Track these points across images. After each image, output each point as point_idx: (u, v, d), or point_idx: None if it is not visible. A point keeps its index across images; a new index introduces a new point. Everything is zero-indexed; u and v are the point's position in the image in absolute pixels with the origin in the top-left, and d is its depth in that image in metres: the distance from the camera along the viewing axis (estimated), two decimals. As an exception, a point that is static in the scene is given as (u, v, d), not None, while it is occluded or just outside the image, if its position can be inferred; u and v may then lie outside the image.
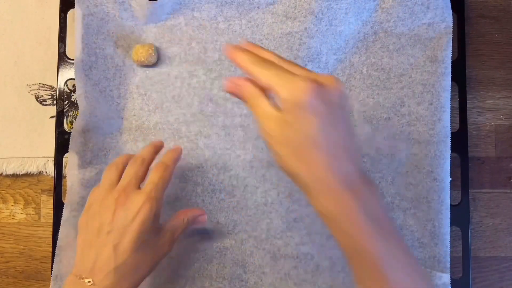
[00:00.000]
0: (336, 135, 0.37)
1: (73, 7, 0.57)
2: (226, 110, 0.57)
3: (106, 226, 0.43)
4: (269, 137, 0.37)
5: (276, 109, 0.37)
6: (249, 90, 0.38)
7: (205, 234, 0.55)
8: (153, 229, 0.45)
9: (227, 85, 0.40)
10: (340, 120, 0.37)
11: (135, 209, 0.43)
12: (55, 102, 0.59)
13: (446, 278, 0.53)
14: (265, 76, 0.37)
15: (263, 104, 0.38)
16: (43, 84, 0.60)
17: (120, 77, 0.57)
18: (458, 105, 0.57)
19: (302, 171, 0.37)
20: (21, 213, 0.59)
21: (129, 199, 0.44)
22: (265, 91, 0.38)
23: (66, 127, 0.57)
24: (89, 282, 0.42)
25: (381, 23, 0.57)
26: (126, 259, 0.43)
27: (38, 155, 0.59)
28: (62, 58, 0.57)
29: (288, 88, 0.36)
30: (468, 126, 0.57)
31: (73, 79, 0.56)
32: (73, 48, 0.56)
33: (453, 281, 0.54)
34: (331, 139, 0.36)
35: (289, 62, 0.40)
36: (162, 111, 0.57)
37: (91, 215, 0.45)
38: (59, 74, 0.57)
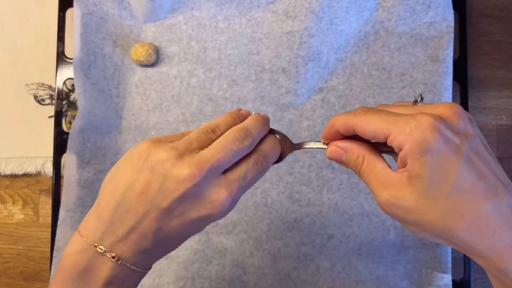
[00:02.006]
0: (487, 171, 0.29)
1: (71, 6, 0.56)
2: (225, 110, 0.57)
3: (155, 185, 0.32)
4: (398, 208, 0.30)
5: (398, 170, 0.30)
6: (359, 152, 0.33)
7: (204, 235, 0.55)
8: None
9: (332, 150, 0.34)
10: (479, 149, 0.30)
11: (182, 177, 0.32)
12: (53, 101, 0.58)
13: (447, 279, 0.53)
14: (372, 123, 0.31)
15: (379, 167, 0.32)
16: (42, 84, 0.60)
17: (119, 76, 0.57)
18: (459, 104, 0.57)
19: (469, 236, 0.29)
20: (20, 214, 0.59)
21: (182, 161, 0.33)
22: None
23: (64, 127, 0.57)
24: (115, 258, 0.33)
25: (382, 22, 0.57)
26: (165, 243, 0.34)
27: (37, 155, 0.58)
28: (61, 58, 0.57)
29: (406, 131, 0.29)
30: (470, 126, 0.57)
31: (72, 78, 0.56)
32: (72, 48, 0.56)
33: (454, 282, 0.53)
34: (487, 178, 0.29)
35: (388, 105, 0.33)
36: (161, 110, 0.57)
37: (135, 167, 0.33)
38: (57, 74, 0.57)
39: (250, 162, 0.35)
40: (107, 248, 0.33)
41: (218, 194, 0.33)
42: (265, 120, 0.37)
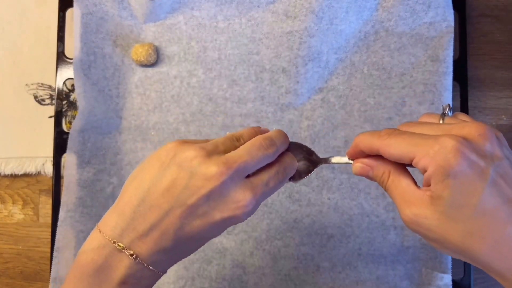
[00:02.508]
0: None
1: (72, 6, 0.56)
2: (225, 110, 0.57)
3: (181, 181, 0.33)
4: (420, 225, 0.30)
5: (422, 188, 0.31)
6: (384, 169, 0.33)
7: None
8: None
9: (358, 167, 0.35)
10: (506, 172, 0.29)
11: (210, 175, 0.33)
12: (53, 101, 0.58)
13: (447, 279, 0.53)
14: (396, 146, 0.31)
15: (404, 183, 0.32)
16: (42, 84, 0.60)
17: (119, 76, 0.57)
18: (459, 104, 0.57)
19: (491, 258, 0.29)
20: (20, 214, 0.59)
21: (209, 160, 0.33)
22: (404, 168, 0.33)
23: (64, 127, 0.57)
24: (133, 256, 0.33)
25: (382, 22, 0.57)
26: (185, 244, 0.34)
27: (37, 155, 0.58)
28: (61, 58, 0.57)
29: (430, 154, 0.29)
30: (470, 126, 0.57)
31: (72, 78, 0.56)
32: (72, 48, 0.56)
33: (454, 282, 0.53)
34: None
35: (412, 124, 0.33)
36: (161, 110, 0.57)
37: (162, 164, 0.34)
38: (57, 74, 0.57)
39: (272, 171, 0.35)
40: (126, 245, 0.33)
41: (244, 195, 0.33)
42: (286, 135, 0.38)
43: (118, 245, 0.33)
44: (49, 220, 0.56)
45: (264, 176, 0.35)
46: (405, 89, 0.56)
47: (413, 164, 0.30)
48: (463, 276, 0.54)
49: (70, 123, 0.57)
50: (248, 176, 0.34)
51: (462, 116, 0.34)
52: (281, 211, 0.55)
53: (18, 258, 0.58)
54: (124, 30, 0.57)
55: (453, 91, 0.56)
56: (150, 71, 0.57)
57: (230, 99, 0.57)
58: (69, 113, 0.57)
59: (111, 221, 0.34)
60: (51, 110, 0.59)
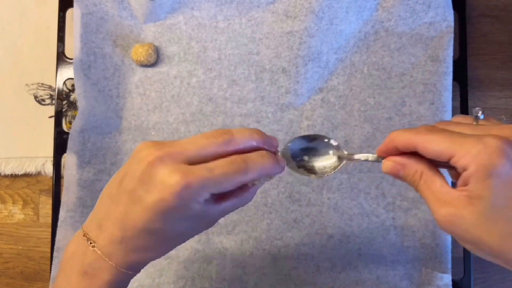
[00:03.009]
0: None
1: (72, 6, 0.56)
2: (225, 110, 0.57)
3: (129, 178, 0.33)
4: (456, 226, 0.30)
5: (458, 188, 0.30)
6: (417, 168, 0.32)
7: (204, 235, 0.55)
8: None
9: (389, 165, 0.34)
10: None
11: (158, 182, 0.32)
12: (53, 101, 0.58)
13: (447, 278, 0.53)
14: (437, 143, 0.30)
15: (438, 183, 0.31)
16: (42, 84, 0.60)
17: (119, 76, 0.57)
18: (459, 104, 0.57)
19: None
20: (20, 214, 0.59)
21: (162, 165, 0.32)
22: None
23: (64, 127, 0.57)
24: (91, 244, 0.34)
25: (382, 22, 0.57)
26: (134, 236, 0.34)
27: (37, 155, 0.58)
28: (61, 58, 0.57)
29: (473, 153, 0.28)
30: (470, 126, 0.57)
31: (72, 78, 0.56)
32: (72, 48, 0.56)
33: (454, 282, 0.53)
34: None
35: (449, 123, 0.33)
36: (161, 110, 0.57)
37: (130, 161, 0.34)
38: (58, 74, 0.57)
39: (225, 159, 0.33)
40: (90, 235, 0.35)
41: (170, 175, 0.31)
42: (258, 133, 0.35)
43: (84, 234, 0.35)
44: (49, 220, 0.56)
45: (211, 164, 0.33)
46: (405, 89, 0.56)
47: (451, 162, 0.30)
48: (463, 276, 0.54)
49: (70, 123, 0.57)
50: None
51: (494, 120, 0.34)
52: (281, 211, 0.55)
53: (18, 258, 0.58)
54: (124, 30, 0.57)
55: (453, 91, 0.56)
56: (150, 71, 0.57)
57: (230, 99, 0.57)
58: (69, 113, 0.57)
59: (91, 214, 0.36)
60: (51, 110, 0.59)
